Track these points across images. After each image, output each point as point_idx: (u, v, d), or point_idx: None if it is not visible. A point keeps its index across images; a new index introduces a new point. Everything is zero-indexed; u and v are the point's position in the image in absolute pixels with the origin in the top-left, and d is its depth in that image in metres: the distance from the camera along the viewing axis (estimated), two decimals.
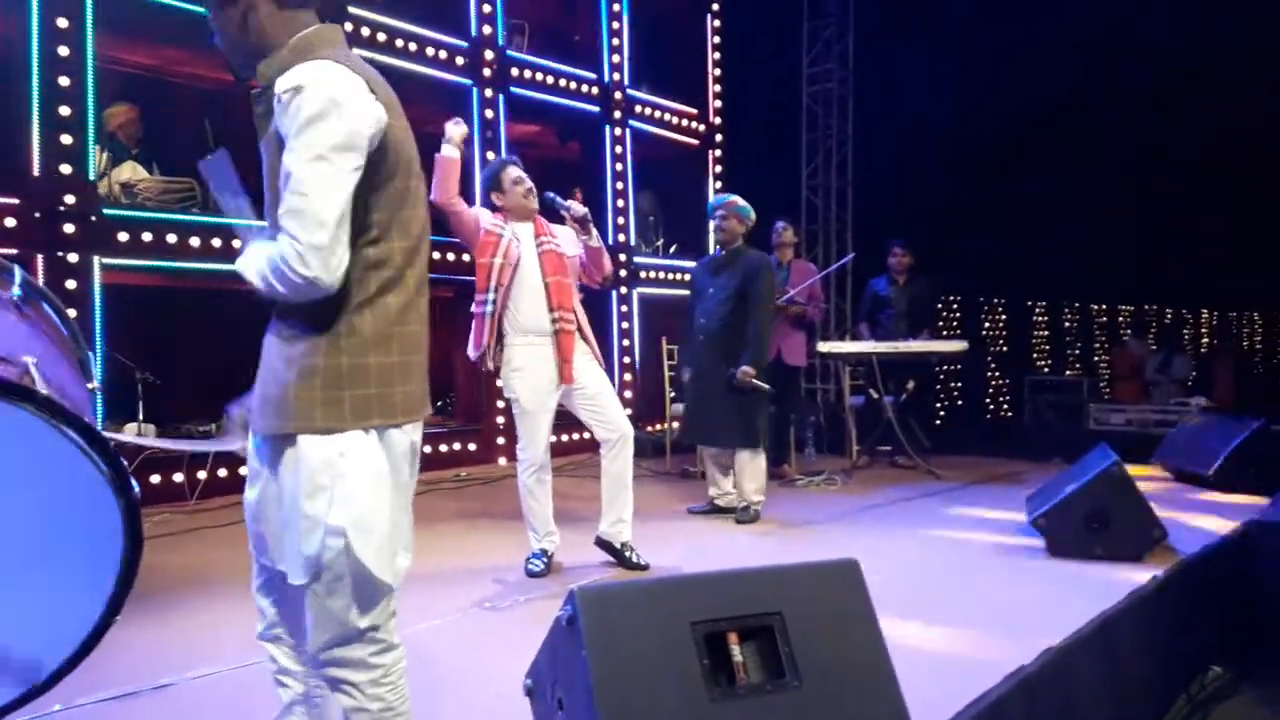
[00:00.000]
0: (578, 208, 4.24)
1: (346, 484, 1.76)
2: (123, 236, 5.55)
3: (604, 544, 4.29)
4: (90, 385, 1.92)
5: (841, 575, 2.36)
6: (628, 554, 4.24)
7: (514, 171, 4.23)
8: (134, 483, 1.58)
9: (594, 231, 4.28)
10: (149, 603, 3.71)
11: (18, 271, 1.90)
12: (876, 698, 2.19)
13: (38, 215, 5.26)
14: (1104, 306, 17.21)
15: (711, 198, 5.43)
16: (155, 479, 5.59)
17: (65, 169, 5.36)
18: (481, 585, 4.00)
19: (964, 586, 4.04)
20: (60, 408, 1.44)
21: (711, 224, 5.26)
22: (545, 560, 4.18)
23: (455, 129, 4.02)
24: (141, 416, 6.06)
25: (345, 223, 1.72)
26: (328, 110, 1.68)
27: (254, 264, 1.77)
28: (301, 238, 1.67)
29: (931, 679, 2.89)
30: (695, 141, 9.59)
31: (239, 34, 1.85)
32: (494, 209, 4.25)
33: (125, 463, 1.61)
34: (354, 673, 1.83)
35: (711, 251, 5.38)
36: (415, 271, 1.90)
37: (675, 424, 6.37)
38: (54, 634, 1.58)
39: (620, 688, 1.98)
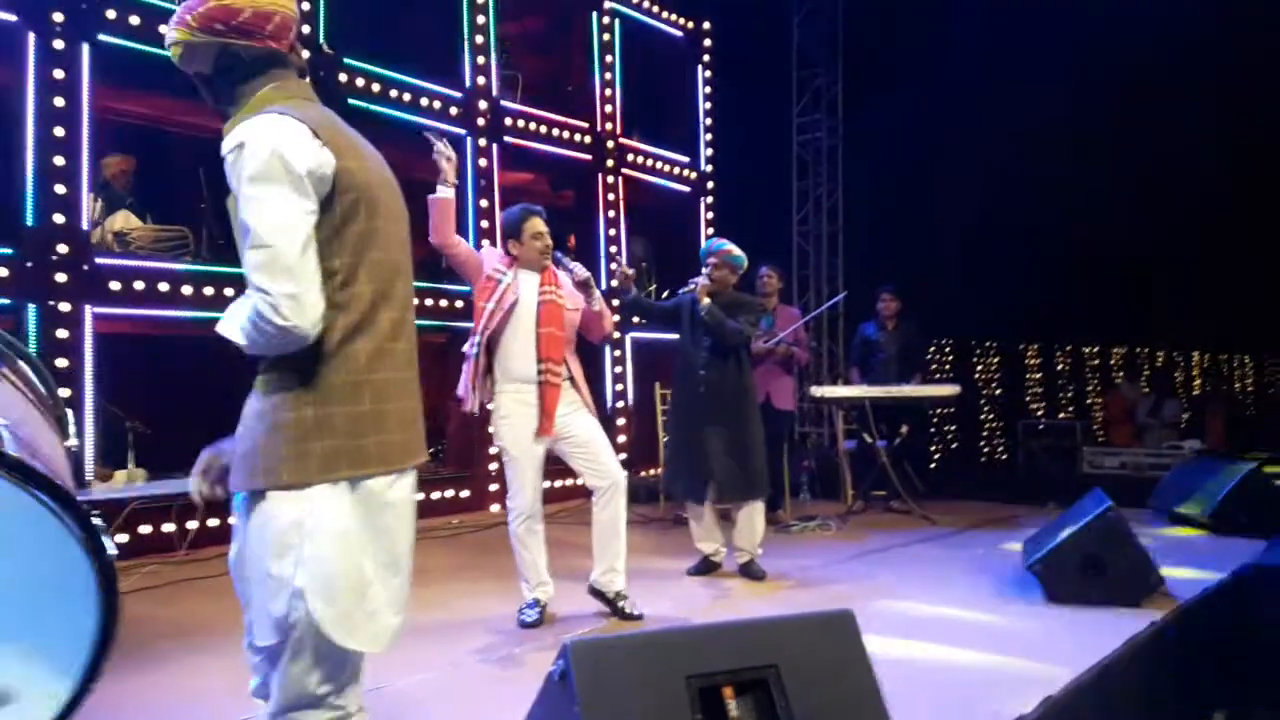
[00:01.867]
0: (580, 271, 4.24)
1: (311, 544, 1.73)
2: (115, 285, 5.55)
3: (597, 593, 4.25)
4: (68, 443, 1.90)
5: (837, 626, 2.34)
6: (621, 604, 4.19)
7: (537, 225, 4.19)
8: (108, 544, 1.56)
9: (597, 295, 4.29)
10: (138, 656, 3.66)
11: None
12: None
13: (30, 265, 5.26)
14: (1096, 349, 17.29)
15: (704, 243, 5.29)
16: (145, 529, 5.53)
17: (59, 218, 5.37)
18: (474, 636, 3.95)
19: (960, 634, 4.00)
20: (31, 470, 1.41)
21: (704, 270, 5.11)
22: (539, 610, 4.13)
23: (447, 164, 3.94)
24: (132, 464, 6.03)
25: (313, 267, 1.72)
26: (270, 161, 1.70)
27: (235, 322, 1.76)
28: (271, 288, 1.67)
29: None
30: (687, 188, 9.67)
31: (217, 107, 1.92)
32: (507, 253, 4.25)
33: (99, 524, 1.58)
34: None
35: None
36: (389, 315, 1.88)
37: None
38: (29, 703, 1.54)
39: None
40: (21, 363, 1.89)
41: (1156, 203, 13.09)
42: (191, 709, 3.04)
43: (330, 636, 1.74)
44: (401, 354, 1.92)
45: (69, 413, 2.03)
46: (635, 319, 8.25)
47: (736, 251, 5.10)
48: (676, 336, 5.20)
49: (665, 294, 9.29)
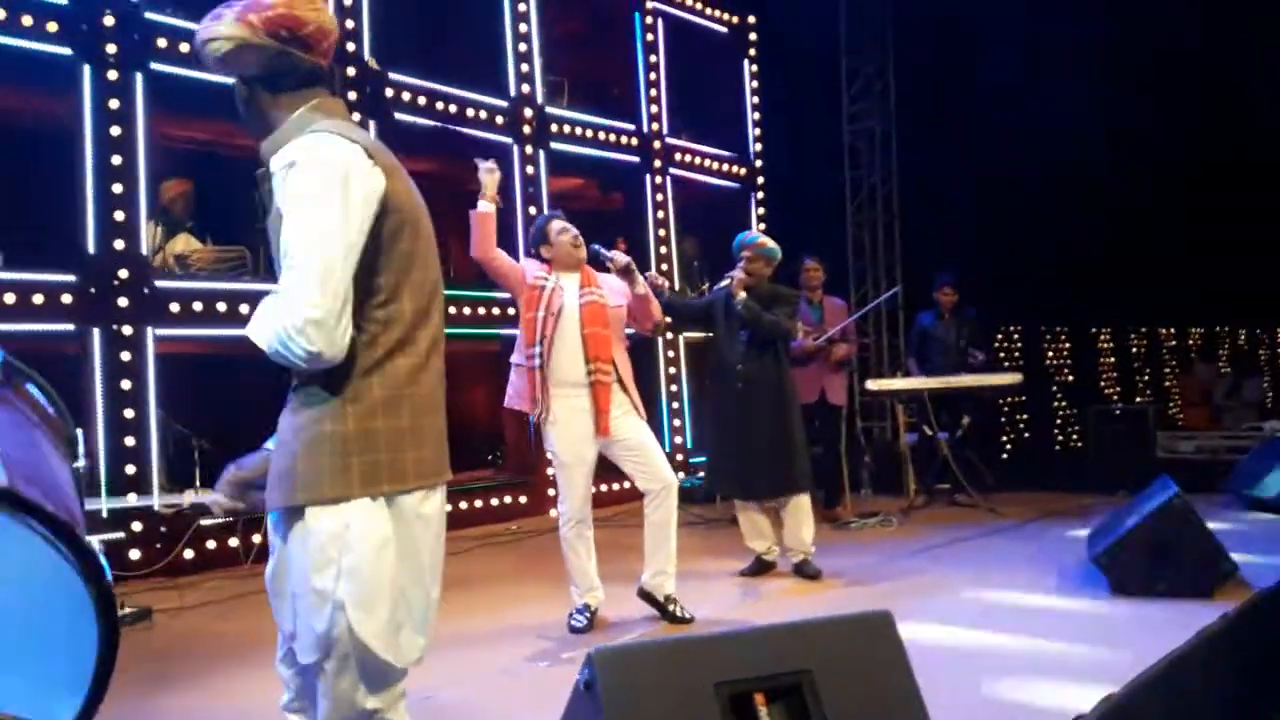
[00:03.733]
0: (620, 257, 4.25)
1: (351, 557, 1.73)
2: (174, 307, 5.71)
3: (647, 596, 4.23)
4: (76, 464, 1.94)
5: (874, 628, 2.27)
6: (671, 607, 4.16)
7: (558, 223, 4.26)
8: (106, 569, 1.58)
9: (640, 279, 4.27)
10: (195, 672, 3.75)
11: (0, 354, 1.93)
12: None
13: (93, 291, 5.43)
14: (1172, 330, 16.69)
15: (739, 237, 5.20)
16: (211, 544, 5.68)
17: (119, 244, 5.55)
18: (524, 643, 3.96)
19: (1023, 629, 3.88)
20: (22, 500, 1.43)
21: (738, 264, 5.03)
22: (588, 616, 4.13)
23: (489, 177, 4.01)
24: (199, 483, 6.19)
25: (347, 294, 1.71)
26: (323, 182, 1.69)
27: (263, 332, 1.74)
28: (303, 312, 1.66)
29: None
30: (736, 185, 9.60)
31: (247, 113, 1.91)
32: (543, 262, 4.27)
33: (96, 547, 1.60)
34: None
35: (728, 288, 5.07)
36: (427, 333, 1.88)
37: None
38: None
39: None
40: (29, 385, 1.93)
41: (1233, 178, 12.60)
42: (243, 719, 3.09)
43: (371, 647, 1.74)
44: (436, 371, 1.92)
45: (79, 433, 2.06)
46: (667, 320, 8.16)
47: (770, 244, 5.05)
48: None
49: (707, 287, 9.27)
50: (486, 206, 4.03)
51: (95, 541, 1.72)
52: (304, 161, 1.71)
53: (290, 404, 1.85)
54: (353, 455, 1.76)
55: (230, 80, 1.90)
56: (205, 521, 5.66)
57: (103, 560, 1.58)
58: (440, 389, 1.96)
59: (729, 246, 5.25)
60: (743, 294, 4.89)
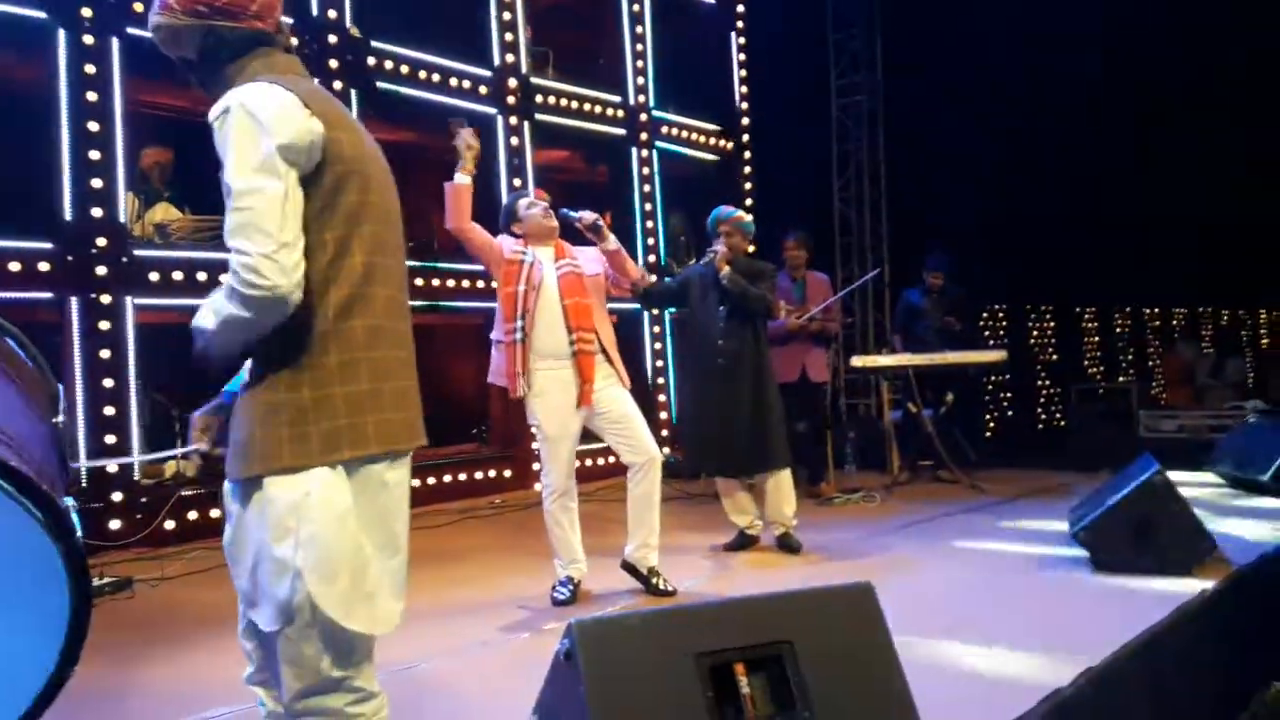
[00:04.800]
0: (587, 215, 4.22)
1: (310, 526, 1.70)
2: (154, 276, 5.64)
3: (630, 569, 4.22)
4: (55, 420, 1.91)
5: (855, 600, 2.26)
6: (654, 580, 4.16)
7: (525, 199, 4.28)
8: (75, 526, 1.54)
9: (609, 236, 4.24)
10: (176, 641, 3.73)
11: None
12: None
13: (71, 259, 5.36)
14: (1156, 310, 16.77)
15: (715, 211, 5.17)
16: (192, 515, 5.64)
17: (96, 212, 5.47)
18: (506, 614, 3.95)
19: (1003, 604, 3.91)
20: None
21: (716, 239, 5.01)
22: (571, 588, 4.13)
23: (469, 152, 3.94)
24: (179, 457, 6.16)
25: (295, 230, 1.69)
26: (253, 125, 1.68)
27: (212, 304, 1.74)
28: (250, 249, 1.64)
29: (963, 702, 2.78)
30: (724, 158, 9.54)
31: (206, 91, 1.89)
32: (516, 237, 4.24)
33: (65, 505, 1.57)
34: None
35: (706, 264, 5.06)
36: (384, 292, 1.84)
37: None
38: (5, 689, 1.53)
39: None
40: (7, 339, 1.89)
41: (1216, 159, 12.62)
42: (220, 693, 3.07)
43: (330, 616, 1.72)
44: (398, 333, 1.89)
45: (61, 389, 2.03)
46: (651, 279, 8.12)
47: (747, 217, 5.09)
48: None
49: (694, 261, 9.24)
50: (463, 179, 3.97)
51: (69, 500, 1.68)
52: (235, 108, 1.70)
53: (246, 380, 1.82)
54: (310, 423, 1.73)
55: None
56: (186, 492, 5.62)
57: (74, 517, 1.55)
58: (407, 352, 1.92)
59: None
60: (727, 268, 4.86)
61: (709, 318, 4.98)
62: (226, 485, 1.81)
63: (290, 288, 1.67)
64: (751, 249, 5.17)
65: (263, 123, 1.68)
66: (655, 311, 8.27)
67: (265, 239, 1.64)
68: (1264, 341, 19.40)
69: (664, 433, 8.36)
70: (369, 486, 1.80)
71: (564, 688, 2.03)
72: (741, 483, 5.08)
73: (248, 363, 1.85)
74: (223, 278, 1.71)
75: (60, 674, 1.53)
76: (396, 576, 1.88)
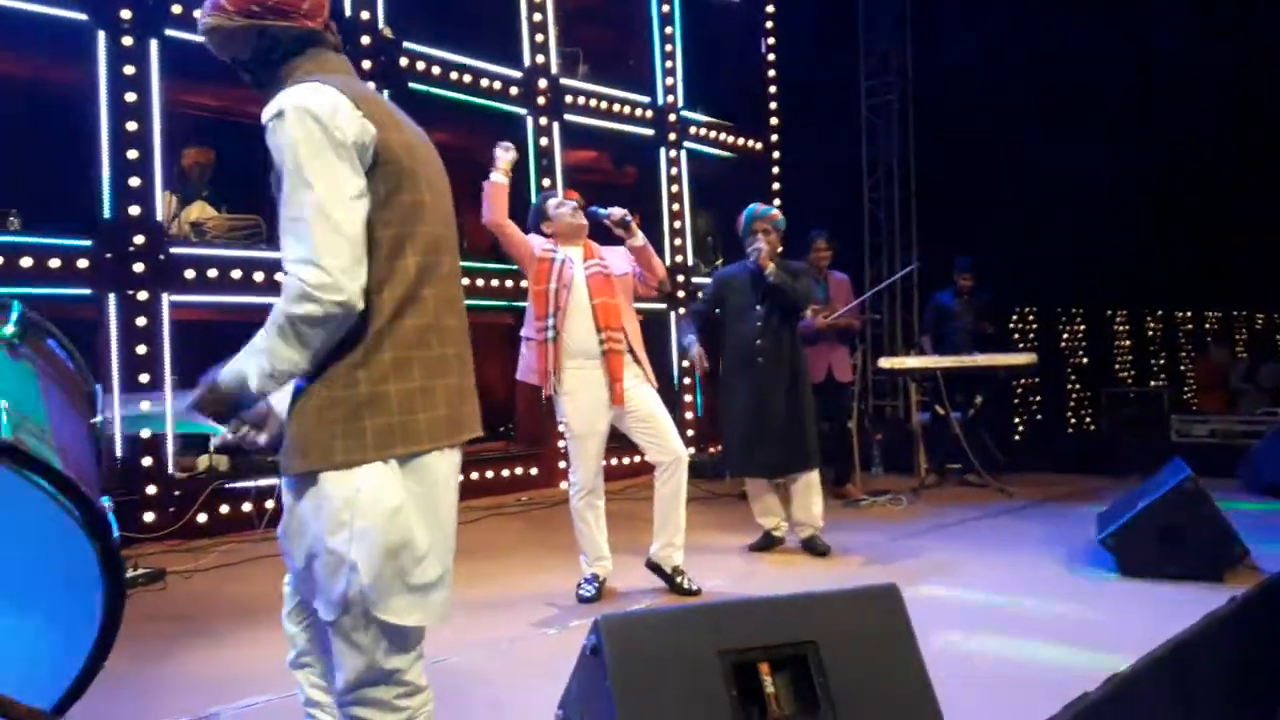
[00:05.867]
0: (616, 211, 4.25)
1: (363, 520, 1.73)
2: (189, 274, 5.73)
3: (655, 568, 4.25)
4: (94, 420, 1.94)
5: (880, 601, 2.28)
6: (679, 579, 4.18)
7: (554, 198, 4.33)
8: (112, 524, 1.58)
9: (637, 232, 4.26)
10: (208, 632, 3.80)
11: (16, 308, 1.93)
12: None
13: (109, 256, 5.46)
14: (1189, 314, 16.55)
15: (749, 209, 5.17)
16: (224, 509, 5.73)
17: (134, 210, 5.56)
18: (532, 611, 3.99)
19: (1028, 609, 3.89)
20: (24, 455, 1.43)
21: (752, 237, 5.00)
22: (596, 586, 4.16)
23: (504, 154, 4.06)
24: (212, 449, 6.25)
25: (358, 237, 1.71)
26: (312, 128, 1.69)
27: (254, 347, 1.73)
28: (312, 258, 1.65)
29: (989, 705, 2.78)
30: (752, 159, 9.54)
31: (259, 91, 1.91)
32: (546, 237, 4.29)
33: (102, 505, 1.61)
34: (379, 714, 1.80)
35: (742, 263, 5.07)
36: (436, 291, 1.85)
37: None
38: (37, 682, 1.57)
39: (645, 719, 1.94)
40: (49, 341, 1.93)
41: (1252, 159, 12.44)
42: (250, 682, 3.13)
43: (378, 611, 1.74)
44: (451, 330, 1.90)
45: (99, 389, 2.07)
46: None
47: (779, 215, 5.09)
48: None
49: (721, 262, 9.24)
50: (499, 178, 4.05)
51: (106, 500, 1.72)
52: (290, 110, 1.71)
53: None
54: (365, 419, 1.75)
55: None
56: (219, 485, 5.71)
57: (110, 517, 1.58)
58: (462, 349, 1.93)
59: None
60: (771, 265, 4.88)
61: (747, 316, 4.99)
62: (283, 480, 1.84)
63: (352, 298, 1.69)
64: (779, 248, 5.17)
65: (317, 124, 1.69)
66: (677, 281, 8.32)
67: (328, 251, 1.65)
68: None
69: (690, 432, 8.37)
70: (421, 480, 1.82)
71: (590, 682, 2.06)
72: (771, 483, 5.09)
73: None
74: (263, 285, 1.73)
75: (92, 666, 1.56)
76: (449, 568, 1.90)
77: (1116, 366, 14.69)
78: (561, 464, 7.44)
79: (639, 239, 4.26)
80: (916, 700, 2.14)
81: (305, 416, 1.77)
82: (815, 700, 2.06)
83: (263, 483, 5.73)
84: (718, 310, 5.19)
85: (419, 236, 1.83)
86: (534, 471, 7.45)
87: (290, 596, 2.01)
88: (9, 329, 1.75)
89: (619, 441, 4.35)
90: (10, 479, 1.43)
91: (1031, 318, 13.05)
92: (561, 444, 7.42)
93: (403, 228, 1.80)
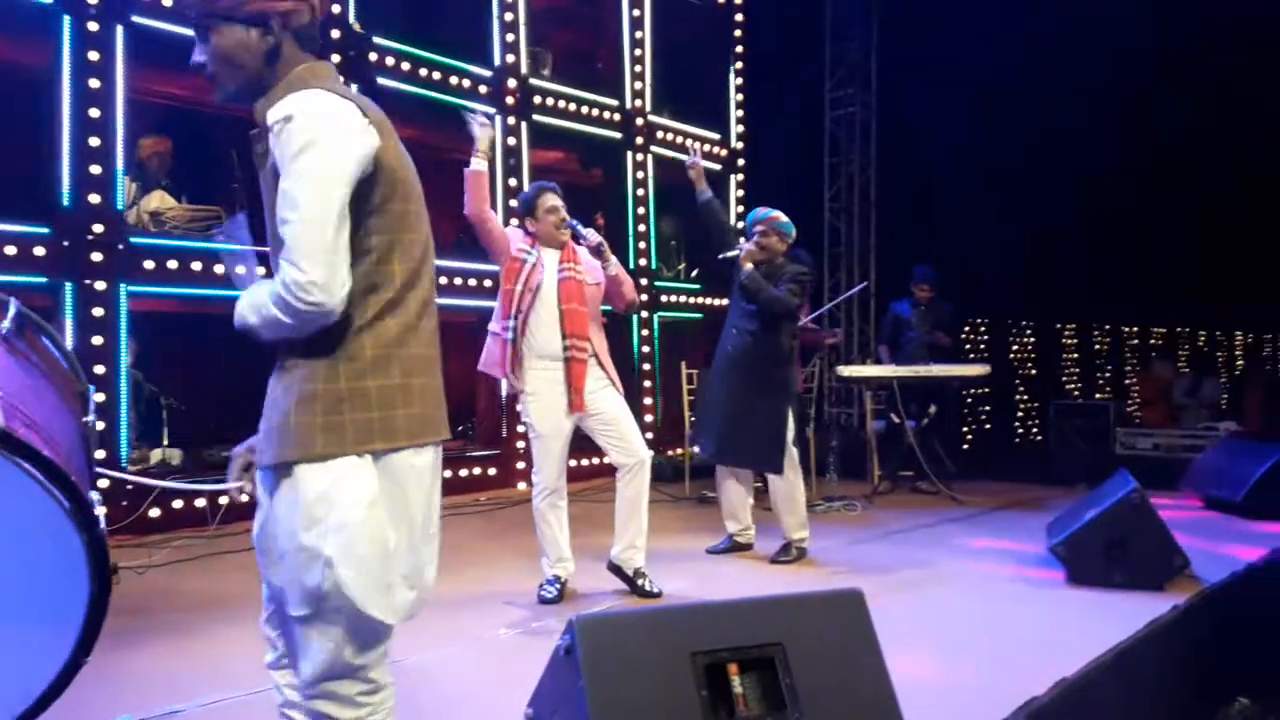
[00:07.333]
0: (593, 236, 4.28)
1: (338, 514, 1.75)
2: (149, 264, 5.65)
3: (617, 570, 4.28)
4: (85, 419, 1.94)
5: (845, 605, 2.35)
6: (640, 581, 4.23)
7: (550, 200, 4.28)
8: (99, 517, 1.58)
9: (612, 259, 4.31)
10: (166, 628, 3.76)
11: (13, 305, 1.91)
12: None
13: (66, 244, 5.36)
14: (1135, 329, 17.00)
15: (753, 212, 5.26)
16: (177, 504, 5.65)
17: (94, 199, 5.47)
18: (493, 612, 4.00)
19: (980, 615, 3.99)
20: (16, 442, 1.44)
21: (752, 237, 5.05)
22: (558, 587, 4.18)
23: (483, 131, 4.00)
24: (166, 441, 6.18)
25: (345, 246, 1.74)
26: (318, 136, 1.71)
27: (254, 303, 1.77)
28: (304, 265, 1.68)
29: (941, 710, 2.86)
30: (717, 166, 9.62)
31: (232, 73, 1.87)
32: (527, 233, 4.30)
33: (91, 498, 1.61)
34: (340, 709, 1.82)
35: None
36: (417, 294, 1.89)
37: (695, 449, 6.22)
38: (18, 675, 1.57)
39: (617, 718, 1.98)
40: (43, 338, 1.92)
41: (1201, 181, 12.82)
42: (212, 679, 3.11)
43: (357, 604, 1.76)
44: (427, 332, 1.94)
45: (92, 388, 2.06)
46: (642, 299, 8.15)
47: (783, 218, 5.09)
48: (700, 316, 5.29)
49: (695, 272, 9.32)
50: (480, 164, 4.02)
51: (94, 494, 1.72)
52: (299, 115, 1.72)
53: (278, 364, 1.86)
54: (345, 413, 1.78)
55: (230, 43, 1.86)
56: (170, 481, 5.63)
57: (98, 511, 1.59)
58: (434, 350, 1.97)
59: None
60: (749, 266, 4.96)
61: (734, 308, 5.15)
62: (258, 473, 1.85)
63: (334, 306, 1.72)
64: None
65: (326, 134, 1.72)
66: (643, 300, 8.39)
67: (323, 257, 1.69)
68: (1239, 364, 19.67)
69: (649, 435, 8.42)
70: (395, 477, 1.84)
71: (563, 682, 2.09)
72: (747, 487, 5.17)
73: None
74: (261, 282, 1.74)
75: (75, 661, 1.57)
76: (416, 567, 1.93)
77: (1064, 379, 15.05)
78: (520, 464, 7.45)
79: (613, 266, 4.30)
80: (879, 701, 2.21)
81: (284, 408, 1.79)
82: (782, 701, 2.12)
83: (219, 484, 5.67)
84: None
85: (407, 244, 1.87)
86: (492, 471, 7.45)
87: (269, 603, 2.00)
88: (5, 325, 1.74)
89: (579, 443, 4.38)
90: (1, 465, 1.43)
91: (983, 329, 13.33)
92: (521, 444, 7.43)
93: (393, 235, 1.84)
